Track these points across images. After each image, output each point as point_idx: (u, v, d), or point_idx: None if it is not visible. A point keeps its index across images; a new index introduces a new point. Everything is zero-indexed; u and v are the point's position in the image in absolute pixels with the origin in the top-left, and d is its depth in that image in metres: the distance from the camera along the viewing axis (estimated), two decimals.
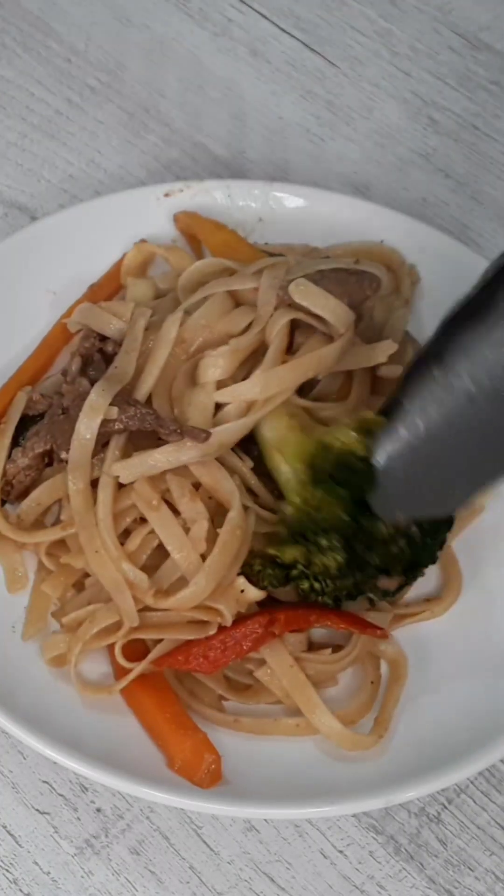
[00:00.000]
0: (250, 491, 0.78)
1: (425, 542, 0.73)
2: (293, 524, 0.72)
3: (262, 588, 0.74)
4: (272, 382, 0.76)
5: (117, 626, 0.73)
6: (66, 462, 0.75)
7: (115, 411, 0.75)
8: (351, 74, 1.09)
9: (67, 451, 0.75)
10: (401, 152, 1.05)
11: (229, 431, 0.76)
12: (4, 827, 0.73)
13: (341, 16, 1.13)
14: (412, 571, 0.74)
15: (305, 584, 0.73)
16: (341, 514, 0.71)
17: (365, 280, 0.84)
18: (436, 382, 0.64)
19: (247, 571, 0.74)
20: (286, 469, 0.75)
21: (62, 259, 0.88)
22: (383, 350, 0.80)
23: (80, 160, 1.02)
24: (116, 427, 0.75)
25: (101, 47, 1.10)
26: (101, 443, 0.75)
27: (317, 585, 0.72)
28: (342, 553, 0.71)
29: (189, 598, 0.72)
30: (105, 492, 0.74)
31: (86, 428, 0.75)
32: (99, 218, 0.90)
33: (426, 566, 0.75)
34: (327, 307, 0.79)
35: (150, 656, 0.73)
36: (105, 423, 0.75)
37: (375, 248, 0.89)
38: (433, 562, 0.75)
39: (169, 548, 0.73)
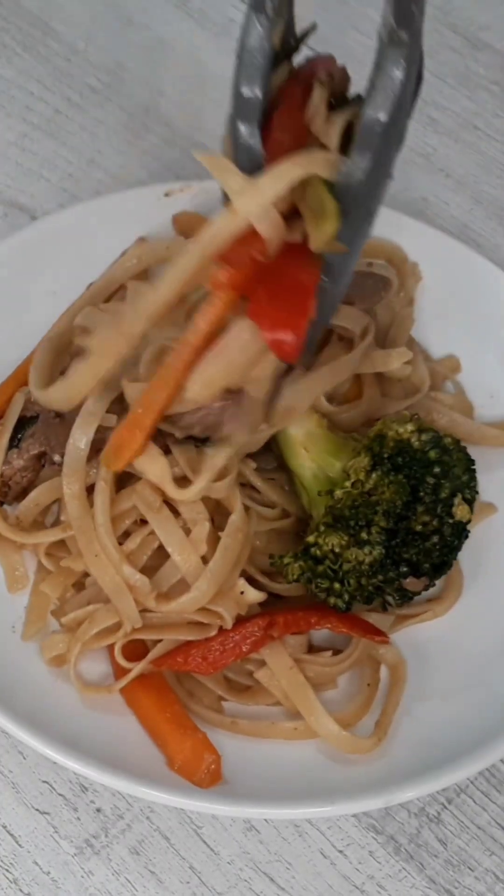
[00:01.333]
0: (253, 488, 0.78)
1: (453, 543, 0.73)
2: (342, 508, 0.72)
3: (290, 582, 0.74)
4: (312, 390, 0.76)
5: (117, 626, 0.74)
6: (59, 465, 0.76)
7: (113, 419, 0.75)
8: (351, 74, 1.09)
9: (61, 454, 0.75)
10: (401, 152, 1.04)
11: (258, 442, 0.75)
12: (4, 827, 0.73)
13: (342, 16, 1.13)
14: (438, 573, 0.74)
15: (326, 584, 0.72)
16: (397, 498, 0.71)
17: (379, 283, 0.84)
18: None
19: (276, 564, 0.74)
20: (311, 465, 0.75)
21: (62, 259, 0.88)
22: (398, 356, 0.81)
23: (80, 160, 1.02)
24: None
25: (101, 47, 1.10)
26: (96, 448, 0.75)
27: (337, 586, 0.72)
28: (380, 548, 0.71)
29: (191, 602, 0.72)
30: (101, 497, 0.74)
31: (81, 434, 0.75)
32: (99, 218, 0.90)
33: (449, 568, 0.74)
34: (349, 317, 0.79)
35: (150, 656, 0.74)
36: (101, 429, 0.75)
37: (377, 245, 0.90)
38: (450, 566, 0.75)
39: (169, 549, 0.73)
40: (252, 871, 0.72)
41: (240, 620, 0.74)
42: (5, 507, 0.80)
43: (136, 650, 0.75)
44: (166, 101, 1.06)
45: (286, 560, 0.74)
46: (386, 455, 0.72)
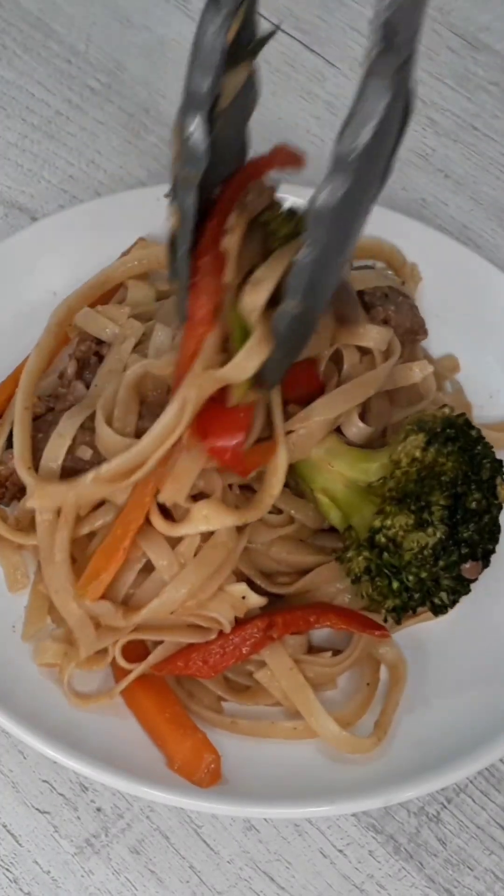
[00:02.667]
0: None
1: (499, 524, 0.73)
2: (407, 484, 0.71)
3: (354, 581, 0.73)
4: (336, 408, 0.76)
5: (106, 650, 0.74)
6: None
7: (88, 453, 0.75)
8: (350, 75, 1.09)
9: (36, 469, 0.76)
10: (400, 153, 1.04)
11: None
12: (5, 826, 0.73)
13: (341, 16, 1.13)
14: (487, 557, 0.73)
15: (384, 582, 0.72)
16: (458, 467, 0.71)
17: (414, 308, 0.85)
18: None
19: (340, 559, 0.73)
20: (341, 477, 0.74)
21: (62, 259, 0.88)
22: (420, 370, 0.81)
23: (80, 161, 1.02)
24: (87, 467, 0.75)
25: (101, 48, 1.10)
26: (72, 474, 0.75)
27: (396, 585, 0.71)
28: (443, 528, 0.71)
29: (159, 608, 0.72)
30: (61, 534, 0.74)
31: (53, 456, 0.75)
32: (99, 218, 0.90)
33: (493, 552, 0.74)
34: (376, 339, 0.78)
35: (150, 659, 0.73)
36: (77, 458, 0.75)
37: (376, 246, 0.90)
38: (488, 559, 0.74)
39: (155, 562, 0.73)
40: (252, 870, 0.72)
41: (239, 622, 0.74)
42: (5, 508, 0.80)
43: (136, 651, 0.75)
44: (166, 102, 1.06)
45: (349, 554, 0.73)
46: (438, 429, 0.72)
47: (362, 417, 0.78)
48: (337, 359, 0.78)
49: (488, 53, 1.11)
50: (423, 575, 0.71)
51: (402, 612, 0.73)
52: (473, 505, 0.71)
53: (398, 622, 0.74)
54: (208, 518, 0.72)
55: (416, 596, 0.72)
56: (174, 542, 0.73)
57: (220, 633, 0.73)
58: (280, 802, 0.69)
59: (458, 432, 0.72)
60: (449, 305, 0.89)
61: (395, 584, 0.72)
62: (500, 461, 0.73)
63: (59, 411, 0.79)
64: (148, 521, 0.73)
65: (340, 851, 0.73)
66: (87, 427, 0.76)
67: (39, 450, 0.77)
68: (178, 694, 0.75)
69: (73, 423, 0.76)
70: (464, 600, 0.77)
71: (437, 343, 0.88)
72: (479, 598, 0.78)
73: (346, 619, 0.75)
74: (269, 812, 0.70)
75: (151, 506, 0.72)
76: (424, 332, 0.86)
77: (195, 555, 0.73)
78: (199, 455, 0.71)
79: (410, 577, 0.71)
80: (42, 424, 0.78)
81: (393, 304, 0.84)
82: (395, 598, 0.72)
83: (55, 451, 0.75)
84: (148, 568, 0.74)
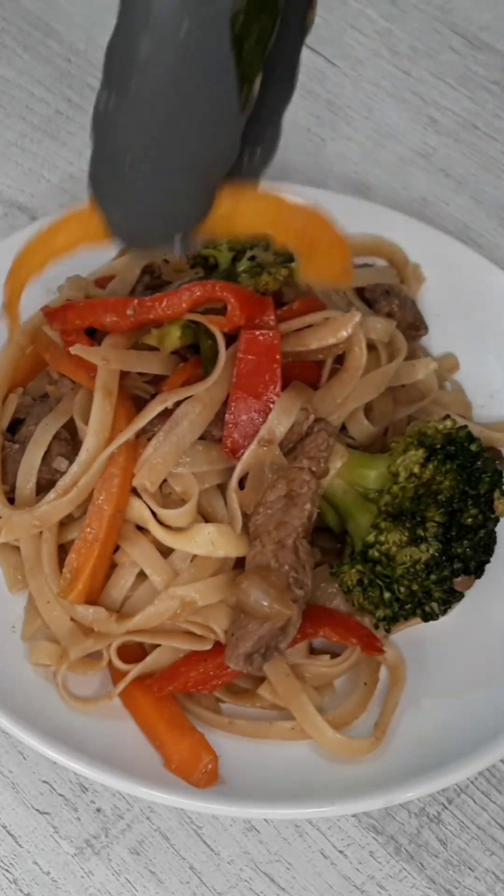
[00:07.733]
0: None
1: (495, 538, 0.73)
2: (403, 501, 0.71)
3: (346, 591, 0.73)
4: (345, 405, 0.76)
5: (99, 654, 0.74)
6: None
7: (64, 464, 0.75)
8: (351, 74, 1.09)
9: (14, 486, 0.76)
10: (401, 152, 1.05)
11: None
12: (4, 827, 0.73)
13: (341, 15, 1.13)
14: (480, 570, 0.74)
15: (376, 593, 0.72)
16: (456, 487, 0.71)
17: (415, 304, 0.85)
18: None
19: (334, 573, 0.73)
20: (339, 481, 0.74)
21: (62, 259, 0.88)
22: (424, 367, 0.80)
23: (80, 160, 1.02)
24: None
25: (101, 47, 1.09)
26: (50, 487, 0.75)
27: (387, 595, 0.72)
28: (437, 544, 0.71)
29: (153, 616, 0.72)
30: (47, 546, 0.74)
31: (28, 468, 0.75)
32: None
33: (487, 562, 0.74)
34: (380, 331, 0.78)
35: (147, 660, 0.73)
36: (54, 470, 0.75)
37: (377, 244, 0.89)
38: (481, 572, 0.74)
39: (146, 570, 0.73)
40: (252, 871, 0.72)
41: None
42: None
43: (133, 652, 0.74)
44: None
45: (343, 567, 0.73)
46: (438, 445, 0.72)
47: (366, 415, 0.78)
48: (338, 359, 0.78)
49: (489, 53, 1.11)
50: (415, 587, 0.72)
51: (393, 622, 0.73)
52: (469, 521, 0.72)
53: (388, 631, 0.74)
54: (215, 544, 0.71)
55: (407, 607, 0.72)
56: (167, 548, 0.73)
57: (216, 645, 0.73)
58: (280, 803, 0.69)
59: (458, 449, 0.72)
60: (449, 305, 0.89)
61: (387, 595, 0.72)
62: (501, 473, 0.73)
63: (46, 407, 0.79)
64: (139, 529, 0.73)
65: (341, 852, 0.73)
66: (63, 437, 0.76)
67: (17, 461, 0.77)
68: (175, 694, 0.74)
69: (48, 431, 0.76)
70: (464, 601, 0.77)
71: (437, 342, 0.88)
72: (480, 599, 0.78)
73: (344, 633, 0.74)
74: (268, 813, 0.70)
75: (146, 514, 0.72)
76: (425, 328, 0.86)
77: (192, 560, 0.73)
78: (178, 445, 0.71)
79: (402, 589, 0.72)
80: (26, 426, 0.78)
81: (396, 298, 0.84)
82: (385, 609, 0.72)
83: (31, 462, 0.75)
84: (144, 572, 0.74)
